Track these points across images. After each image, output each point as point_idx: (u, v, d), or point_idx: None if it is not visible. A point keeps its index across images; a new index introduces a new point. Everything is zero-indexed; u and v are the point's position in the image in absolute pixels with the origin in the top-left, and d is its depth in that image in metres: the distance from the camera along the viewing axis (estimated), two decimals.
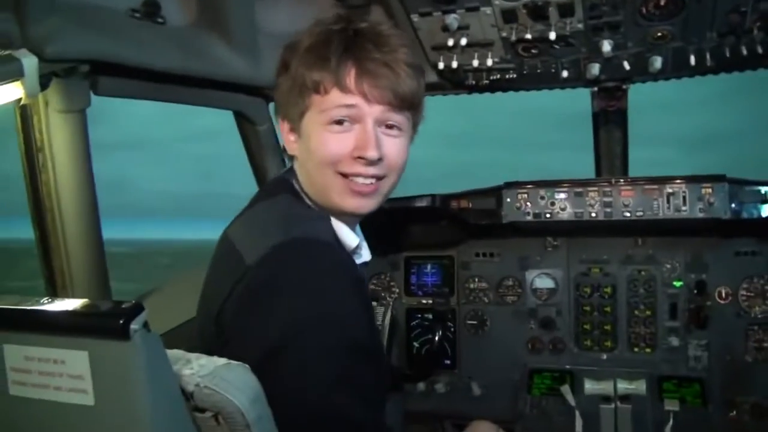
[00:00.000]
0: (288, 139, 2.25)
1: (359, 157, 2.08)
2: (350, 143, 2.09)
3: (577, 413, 3.95)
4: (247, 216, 2.23)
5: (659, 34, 3.35)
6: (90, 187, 3.04)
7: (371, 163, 2.09)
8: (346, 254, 2.16)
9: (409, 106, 2.16)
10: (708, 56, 3.48)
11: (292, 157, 2.29)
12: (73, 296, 3.09)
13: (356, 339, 1.93)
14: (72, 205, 3.00)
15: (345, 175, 2.11)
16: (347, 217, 2.24)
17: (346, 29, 2.12)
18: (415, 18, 3.38)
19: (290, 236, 1.97)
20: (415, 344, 4.67)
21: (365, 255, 2.40)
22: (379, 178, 2.15)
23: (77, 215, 3.03)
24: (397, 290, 4.70)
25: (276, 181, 2.36)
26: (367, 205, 2.19)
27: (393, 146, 2.15)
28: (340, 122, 2.08)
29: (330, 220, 2.19)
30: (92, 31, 2.65)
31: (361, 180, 2.12)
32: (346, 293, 1.95)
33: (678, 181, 3.82)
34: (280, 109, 2.26)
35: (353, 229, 2.31)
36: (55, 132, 2.88)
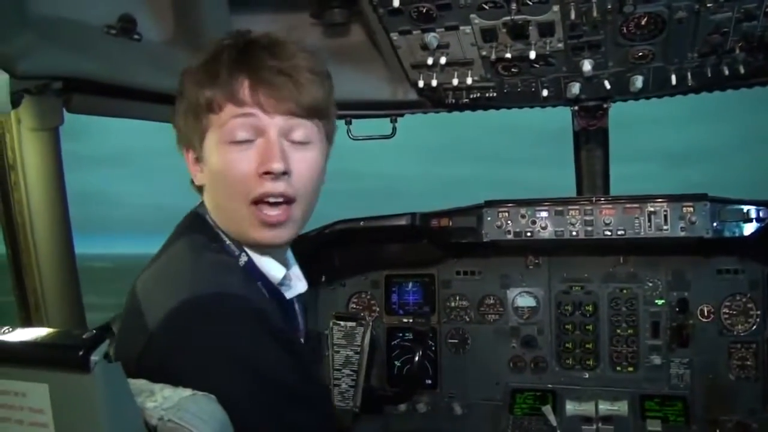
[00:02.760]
0: (194, 170, 2.09)
1: (265, 173, 1.92)
2: (253, 160, 1.92)
3: None
4: (155, 266, 2.03)
5: (640, 53, 3.34)
6: (63, 205, 3.00)
7: (278, 177, 1.92)
8: (264, 300, 1.98)
9: (316, 114, 2.01)
10: (689, 76, 3.48)
11: (201, 190, 2.12)
12: (46, 315, 3.05)
13: (286, 385, 1.82)
14: (44, 223, 2.96)
15: (255, 203, 1.95)
16: (269, 249, 2.09)
17: (237, 41, 1.99)
18: (394, 36, 3.35)
19: (194, 294, 1.78)
20: (396, 363, 4.62)
21: (298, 286, 2.25)
22: (288, 200, 1.97)
23: (50, 233, 2.99)
24: (378, 309, 4.66)
25: (189, 218, 2.15)
26: (280, 236, 2.02)
27: (302, 160, 1.99)
28: (242, 142, 1.93)
29: (245, 257, 2.04)
30: (66, 48, 2.61)
31: (271, 201, 1.95)
32: (263, 346, 1.79)
33: (659, 200, 3.81)
34: (181, 138, 2.09)
35: (280, 258, 2.15)
36: (28, 150, 2.85)
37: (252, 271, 2.05)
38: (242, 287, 1.89)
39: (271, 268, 2.10)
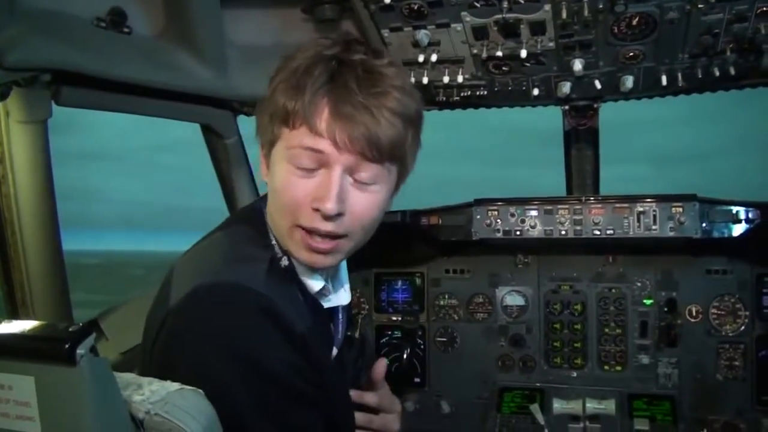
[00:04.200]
0: (262, 165, 2.04)
1: (317, 209, 1.84)
2: (311, 191, 1.85)
3: None
4: (197, 247, 2.06)
5: (631, 54, 3.35)
6: (50, 200, 2.98)
7: (328, 217, 1.84)
8: (291, 302, 1.93)
9: (389, 158, 1.90)
10: (680, 77, 3.49)
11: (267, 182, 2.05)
12: (33, 309, 3.03)
13: (283, 380, 1.80)
14: (32, 218, 2.94)
15: (302, 228, 1.89)
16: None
17: (334, 57, 1.87)
18: (385, 33, 3.35)
19: (213, 280, 1.80)
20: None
21: (339, 298, 2.21)
22: (337, 236, 1.90)
23: (37, 228, 2.97)
24: (367, 307, 4.65)
25: (247, 210, 2.17)
26: (322, 262, 1.96)
27: (361, 201, 1.90)
28: (306, 168, 1.85)
29: (287, 260, 1.99)
30: (55, 40, 2.59)
31: (318, 237, 1.89)
32: (269, 343, 1.78)
33: (648, 200, 3.82)
34: (258, 129, 2.03)
35: (322, 271, 2.09)
36: (16, 143, 2.83)
37: (292, 275, 2.01)
38: (264, 283, 1.85)
39: (311, 279, 2.06)
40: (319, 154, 1.83)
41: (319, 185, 1.85)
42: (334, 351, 2.24)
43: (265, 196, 2.09)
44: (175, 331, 1.80)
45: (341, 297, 2.23)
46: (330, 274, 2.18)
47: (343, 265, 2.26)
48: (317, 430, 1.91)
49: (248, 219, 2.09)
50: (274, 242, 2.01)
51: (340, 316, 2.28)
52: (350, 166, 1.86)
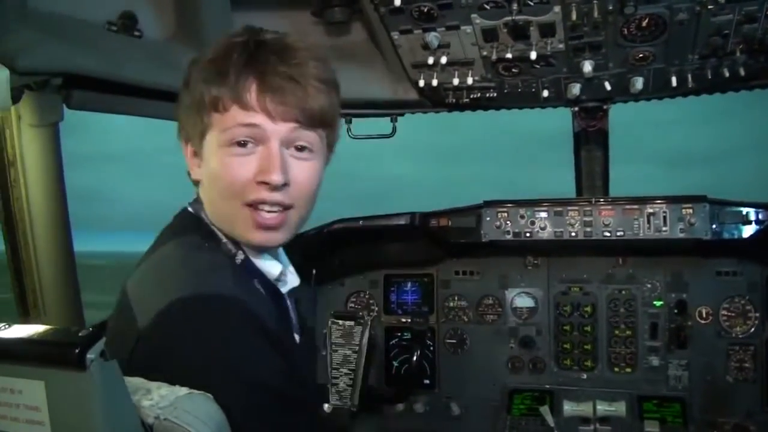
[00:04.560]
0: (192, 164, 2.06)
1: (263, 182, 1.90)
2: (253, 167, 1.90)
3: None
4: (146, 264, 2.00)
5: (641, 55, 3.34)
6: (62, 202, 3.00)
7: (276, 188, 1.90)
8: (258, 300, 1.95)
9: (321, 123, 1.98)
10: (690, 78, 3.48)
11: (197, 183, 2.09)
12: (45, 312, 3.04)
13: (275, 389, 1.80)
14: (44, 220, 2.96)
15: (250, 205, 1.93)
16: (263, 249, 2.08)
17: (248, 41, 1.94)
18: (395, 35, 3.35)
19: (185, 294, 1.77)
20: (394, 363, 4.62)
21: (292, 281, 2.23)
22: (285, 207, 1.96)
23: (49, 230, 2.99)
24: (376, 308, 4.65)
25: (182, 217, 2.13)
26: (274, 239, 2.00)
27: (302, 170, 1.97)
28: (242, 144, 1.90)
29: (242, 254, 2.02)
30: (66, 44, 2.60)
31: (267, 209, 1.94)
32: (251, 348, 1.77)
33: (658, 201, 3.80)
34: (181, 130, 2.07)
35: (275, 255, 2.16)
36: (27, 146, 2.85)
37: (249, 268, 2.04)
38: (234, 288, 1.86)
39: (268, 265, 2.09)
40: (255, 128, 1.89)
41: (261, 159, 1.90)
42: (296, 338, 2.26)
43: (196, 201, 2.12)
44: (155, 351, 1.74)
45: (293, 280, 2.25)
46: (275, 258, 2.18)
47: (281, 249, 2.26)
48: (296, 422, 1.88)
49: (187, 226, 2.08)
50: (224, 240, 2.03)
51: (288, 301, 2.26)
52: (286, 137, 1.93)
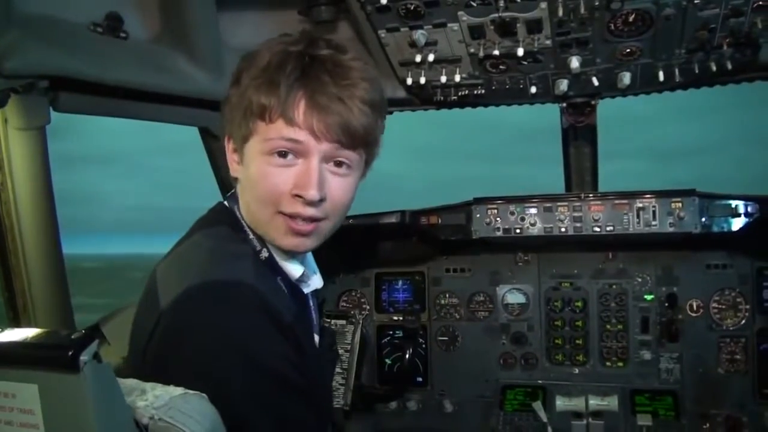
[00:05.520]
0: (231, 159, 2.12)
1: (298, 195, 1.95)
2: (291, 180, 1.95)
3: (550, 430, 3.93)
4: (176, 251, 2.10)
5: (628, 50, 3.35)
6: (50, 206, 2.98)
7: (311, 203, 1.95)
8: (278, 294, 2.02)
9: (362, 144, 2.03)
10: (677, 72, 3.49)
11: (235, 179, 2.15)
12: (35, 316, 3.03)
13: (280, 375, 1.85)
14: (32, 223, 2.93)
15: (284, 214, 1.98)
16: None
17: (303, 54, 1.97)
18: (382, 34, 3.35)
19: (205, 279, 1.86)
20: (387, 361, 4.62)
21: (314, 282, 2.31)
22: (318, 219, 2.01)
23: (38, 234, 2.96)
24: (368, 307, 4.66)
25: (216, 210, 2.22)
26: (304, 245, 2.06)
27: (339, 186, 2.02)
28: (283, 154, 1.95)
29: (266, 252, 2.09)
30: (52, 46, 2.58)
31: (300, 220, 1.99)
32: (263, 335, 1.84)
33: (648, 195, 3.82)
34: (226, 126, 2.11)
35: (301, 259, 2.21)
36: (14, 150, 2.82)
37: (272, 266, 2.10)
38: (254, 277, 1.92)
39: (291, 267, 2.15)
40: (298, 144, 1.93)
41: (299, 174, 1.95)
42: (316, 338, 2.34)
43: (232, 195, 2.19)
44: (170, 330, 1.82)
45: (316, 281, 2.33)
46: (300, 261, 2.23)
47: (309, 253, 2.32)
48: (311, 421, 1.97)
49: (219, 219, 2.15)
50: (251, 236, 2.10)
51: (311, 302, 2.36)
52: (327, 154, 1.97)
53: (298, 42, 2.01)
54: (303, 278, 2.21)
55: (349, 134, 1.96)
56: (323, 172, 1.97)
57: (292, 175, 1.95)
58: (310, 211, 1.97)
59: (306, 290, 2.24)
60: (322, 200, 1.97)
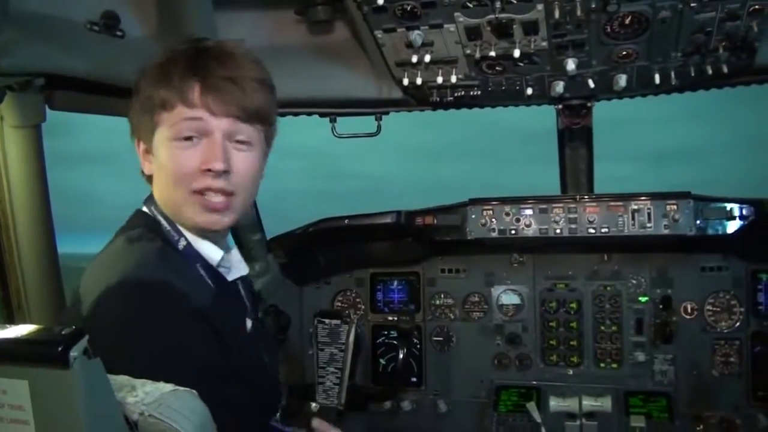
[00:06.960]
0: (144, 160, 2.26)
1: (207, 170, 2.09)
2: (198, 156, 2.10)
3: (543, 430, 3.93)
4: (96, 260, 2.20)
5: (624, 52, 3.35)
6: (45, 204, 2.98)
7: (219, 175, 2.10)
8: (194, 282, 2.14)
9: (258, 119, 2.20)
10: (673, 75, 3.49)
11: (149, 178, 2.27)
12: (29, 314, 3.02)
13: (201, 362, 1.94)
14: (27, 222, 2.93)
15: (197, 192, 2.12)
16: (209, 233, 2.24)
17: (190, 49, 2.18)
18: (379, 34, 3.35)
19: (118, 279, 1.97)
20: (381, 361, 4.63)
21: (239, 269, 2.42)
22: (228, 193, 2.15)
23: (32, 232, 2.96)
24: (363, 307, 4.66)
25: (133, 215, 2.32)
26: (220, 222, 2.19)
27: (242, 160, 2.17)
28: (188, 138, 2.10)
29: (184, 241, 2.20)
30: (48, 44, 2.58)
31: (212, 195, 2.13)
32: (178, 325, 1.96)
33: (643, 198, 3.83)
34: (134, 131, 2.26)
35: (219, 243, 2.31)
36: (10, 148, 2.82)
37: (191, 254, 2.21)
38: (163, 272, 2.04)
39: (209, 250, 2.25)
40: (199, 122, 2.10)
41: (205, 150, 2.11)
42: (249, 323, 2.41)
43: (148, 198, 2.30)
44: (92, 335, 1.80)
45: (240, 268, 2.43)
46: (220, 246, 2.32)
47: (232, 242, 2.52)
48: (238, 401, 2.02)
49: (135, 222, 2.27)
50: (168, 228, 2.21)
51: (242, 289, 2.45)
52: (227, 131, 2.14)
53: (185, 42, 2.24)
54: (224, 263, 2.31)
55: (244, 109, 2.14)
56: (227, 147, 2.14)
57: (198, 153, 2.11)
58: (220, 183, 2.11)
59: (229, 277, 2.34)
60: (227, 172, 2.12)
